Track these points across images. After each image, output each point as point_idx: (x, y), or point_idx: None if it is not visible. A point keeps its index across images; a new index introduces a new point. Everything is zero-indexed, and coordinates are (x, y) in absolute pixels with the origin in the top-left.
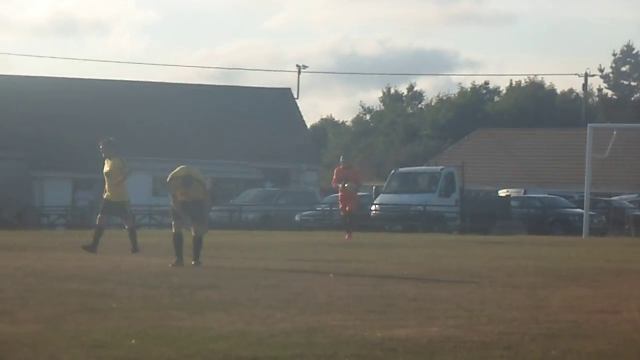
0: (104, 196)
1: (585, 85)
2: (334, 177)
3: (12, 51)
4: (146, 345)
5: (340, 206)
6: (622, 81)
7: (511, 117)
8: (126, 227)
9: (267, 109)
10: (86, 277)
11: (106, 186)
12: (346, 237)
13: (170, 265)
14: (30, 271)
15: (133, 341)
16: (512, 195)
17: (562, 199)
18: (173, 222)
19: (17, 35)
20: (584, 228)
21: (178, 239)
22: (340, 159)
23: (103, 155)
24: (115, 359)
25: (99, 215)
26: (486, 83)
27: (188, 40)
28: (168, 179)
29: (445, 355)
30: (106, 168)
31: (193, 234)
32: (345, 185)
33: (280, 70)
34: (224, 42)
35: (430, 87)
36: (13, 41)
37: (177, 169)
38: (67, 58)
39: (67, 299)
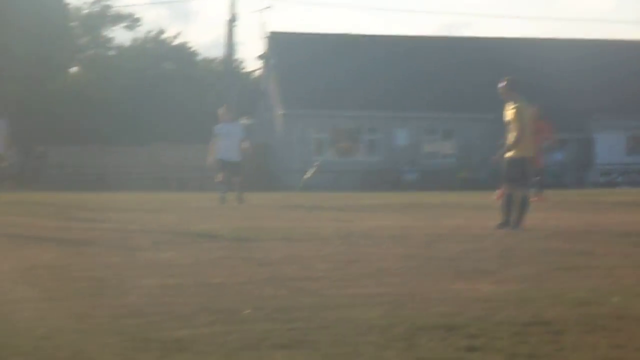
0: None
1: None
2: None
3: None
4: (629, 303)
5: None
6: None
7: None
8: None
9: None
10: (565, 235)
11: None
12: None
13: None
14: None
15: (615, 299)
16: None
17: None
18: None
19: None
20: None
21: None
22: None
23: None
24: (599, 316)
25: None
26: None
27: None
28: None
29: None
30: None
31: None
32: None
33: None
34: None
35: None
36: None
37: None
38: None
39: (548, 258)
